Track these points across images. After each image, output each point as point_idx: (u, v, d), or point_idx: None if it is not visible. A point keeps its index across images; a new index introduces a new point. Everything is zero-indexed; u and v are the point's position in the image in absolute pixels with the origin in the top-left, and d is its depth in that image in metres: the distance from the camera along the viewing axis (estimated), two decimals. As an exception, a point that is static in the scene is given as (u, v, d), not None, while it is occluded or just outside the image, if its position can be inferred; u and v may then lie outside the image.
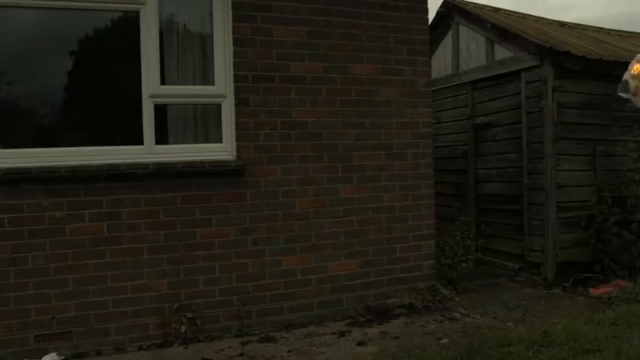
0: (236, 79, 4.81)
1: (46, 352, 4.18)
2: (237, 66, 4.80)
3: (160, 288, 4.53)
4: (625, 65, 6.55)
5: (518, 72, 6.76)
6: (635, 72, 3.85)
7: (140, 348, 4.41)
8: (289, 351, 4.28)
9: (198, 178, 4.63)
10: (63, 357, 4.19)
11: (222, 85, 4.84)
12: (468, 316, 5.08)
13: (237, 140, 4.78)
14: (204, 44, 4.91)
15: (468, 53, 7.75)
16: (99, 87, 4.76)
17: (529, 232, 6.62)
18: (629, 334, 4.22)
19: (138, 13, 4.60)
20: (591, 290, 5.83)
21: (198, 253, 4.63)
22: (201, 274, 4.64)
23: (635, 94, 3.84)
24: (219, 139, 4.86)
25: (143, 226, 4.53)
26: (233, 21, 4.79)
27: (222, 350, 4.31)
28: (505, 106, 7.02)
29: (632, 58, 6.52)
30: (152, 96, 4.63)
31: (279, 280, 4.87)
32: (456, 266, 6.03)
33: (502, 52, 7.07)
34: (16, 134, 4.46)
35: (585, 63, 6.38)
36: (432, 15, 7.44)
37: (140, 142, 4.61)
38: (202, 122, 5.01)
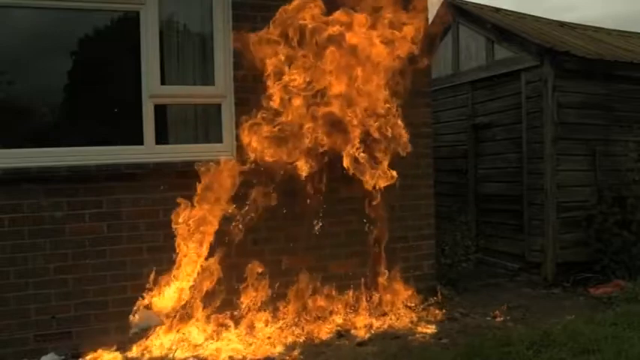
0: (236, 79, 4.81)
1: (46, 352, 4.19)
2: (237, 66, 4.80)
3: (160, 288, 4.52)
4: (625, 65, 6.58)
5: (518, 72, 6.76)
6: None
7: (140, 348, 4.41)
8: (288, 352, 4.28)
9: (198, 178, 4.61)
10: (62, 357, 4.19)
11: (222, 85, 4.84)
12: (468, 316, 5.08)
13: (237, 140, 4.78)
14: (204, 44, 4.92)
15: (467, 53, 7.75)
16: (99, 87, 4.76)
17: (529, 232, 6.62)
18: (629, 334, 4.22)
19: (138, 13, 4.61)
20: (591, 290, 5.83)
21: (198, 253, 4.62)
22: (201, 274, 4.63)
23: None
24: (219, 139, 4.87)
25: (143, 226, 4.53)
26: (233, 21, 4.79)
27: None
28: (505, 106, 7.02)
29: (632, 59, 6.55)
30: (152, 96, 4.64)
31: (279, 280, 4.86)
32: (456, 266, 6.03)
33: (502, 52, 7.07)
34: (16, 134, 4.47)
35: (585, 63, 6.39)
36: (431, 15, 7.44)
37: (140, 142, 4.61)
38: (202, 122, 5.02)
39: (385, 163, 4.84)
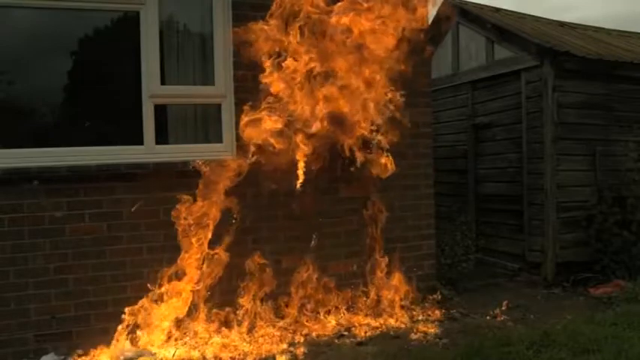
0: (236, 79, 4.82)
1: (46, 352, 4.19)
2: (237, 66, 4.80)
3: (160, 288, 4.52)
4: (625, 65, 6.58)
5: (518, 72, 6.77)
6: None
7: (140, 348, 4.41)
8: (289, 351, 4.28)
9: (198, 178, 4.61)
10: (62, 357, 4.19)
11: (222, 85, 4.84)
12: (468, 316, 5.08)
13: (237, 140, 4.78)
14: (204, 44, 4.92)
15: (467, 53, 7.75)
16: (99, 87, 4.77)
17: (529, 232, 6.62)
18: (629, 334, 4.22)
19: (138, 13, 4.61)
20: (591, 290, 5.83)
21: (198, 253, 4.62)
22: (201, 274, 4.63)
23: None
24: (219, 139, 4.87)
25: (143, 226, 4.53)
26: (233, 20, 4.79)
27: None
28: (505, 106, 7.02)
29: (632, 59, 6.53)
30: (152, 96, 4.64)
31: (279, 279, 4.86)
32: (456, 266, 6.03)
33: (502, 52, 7.07)
34: (16, 134, 4.47)
35: (585, 63, 6.39)
36: (432, 14, 7.44)
37: (140, 142, 4.61)
38: (202, 122, 5.02)
39: (386, 154, 4.84)
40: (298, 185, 4.71)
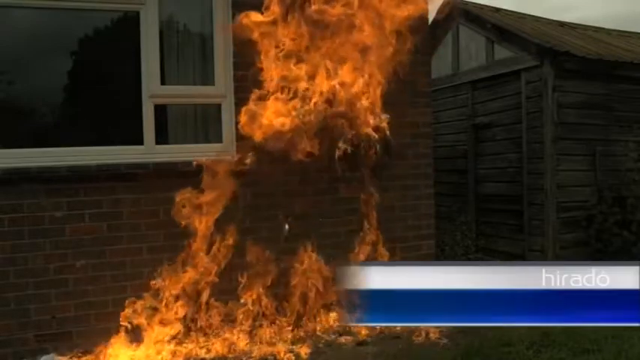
0: (236, 79, 4.82)
1: (46, 352, 4.19)
2: (237, 66, 4.80)
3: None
4: (625, 65, 6.58)
5: (518, 72, 6.77)
6: None
7: (140, 348, 4.41)
8: (290, 351, 4.28)
9: (198, 178, 4.61)
10: (63, 357, 4.19)
11: (222, 85, 4.84)
12: (468, 316, 5.08)
13: (237, 140, 4.78)
14: (204, 44, 4.92)
15: (467, 53, 7.75)
16: (99, 87, 4.77)
17: (529, 232, 6.62)
18: (629, 334, 4.22)
19: (138, 13, 4.61)
20: (591, 290, 5.83)
21: (198, 253, 4.62)
22: (201, 274, 4.63)
23: None
24: (219, 139, 4.87)
25: (143, 226, 4.53)
26: (233, 21, 4.79)
27: (222, 350, 4.31)
28: (505, 106, 7.02)
29: (632, 59, 6.53)
30: (152, 96, 4.64)
31: (279, 279, 4.86)
32: (456, 266, 6.03)
33: (502, 52, 7.08)
34: (16, 134, 4.47)
35: (585, 63, 6.40)
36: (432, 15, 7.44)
37: (140, 142, 4.62)
38: (202, 122, 5.02)
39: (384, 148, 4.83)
40: (298, 184, 4.70)
